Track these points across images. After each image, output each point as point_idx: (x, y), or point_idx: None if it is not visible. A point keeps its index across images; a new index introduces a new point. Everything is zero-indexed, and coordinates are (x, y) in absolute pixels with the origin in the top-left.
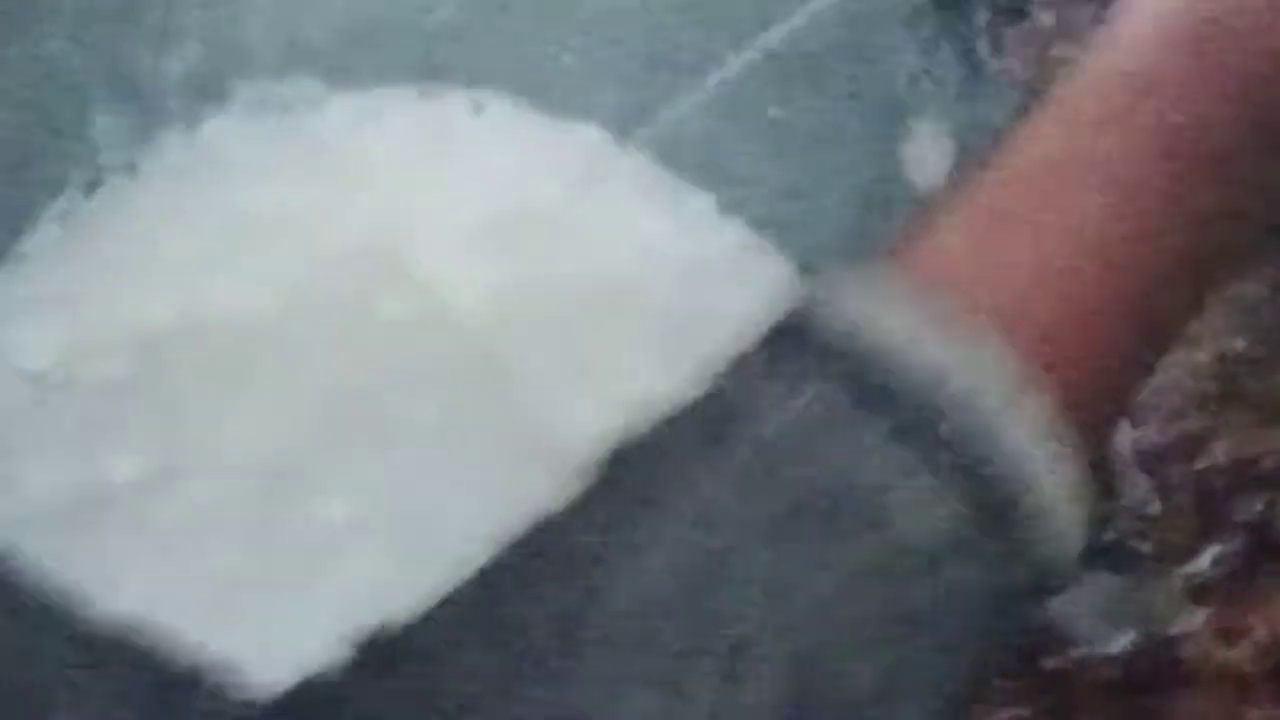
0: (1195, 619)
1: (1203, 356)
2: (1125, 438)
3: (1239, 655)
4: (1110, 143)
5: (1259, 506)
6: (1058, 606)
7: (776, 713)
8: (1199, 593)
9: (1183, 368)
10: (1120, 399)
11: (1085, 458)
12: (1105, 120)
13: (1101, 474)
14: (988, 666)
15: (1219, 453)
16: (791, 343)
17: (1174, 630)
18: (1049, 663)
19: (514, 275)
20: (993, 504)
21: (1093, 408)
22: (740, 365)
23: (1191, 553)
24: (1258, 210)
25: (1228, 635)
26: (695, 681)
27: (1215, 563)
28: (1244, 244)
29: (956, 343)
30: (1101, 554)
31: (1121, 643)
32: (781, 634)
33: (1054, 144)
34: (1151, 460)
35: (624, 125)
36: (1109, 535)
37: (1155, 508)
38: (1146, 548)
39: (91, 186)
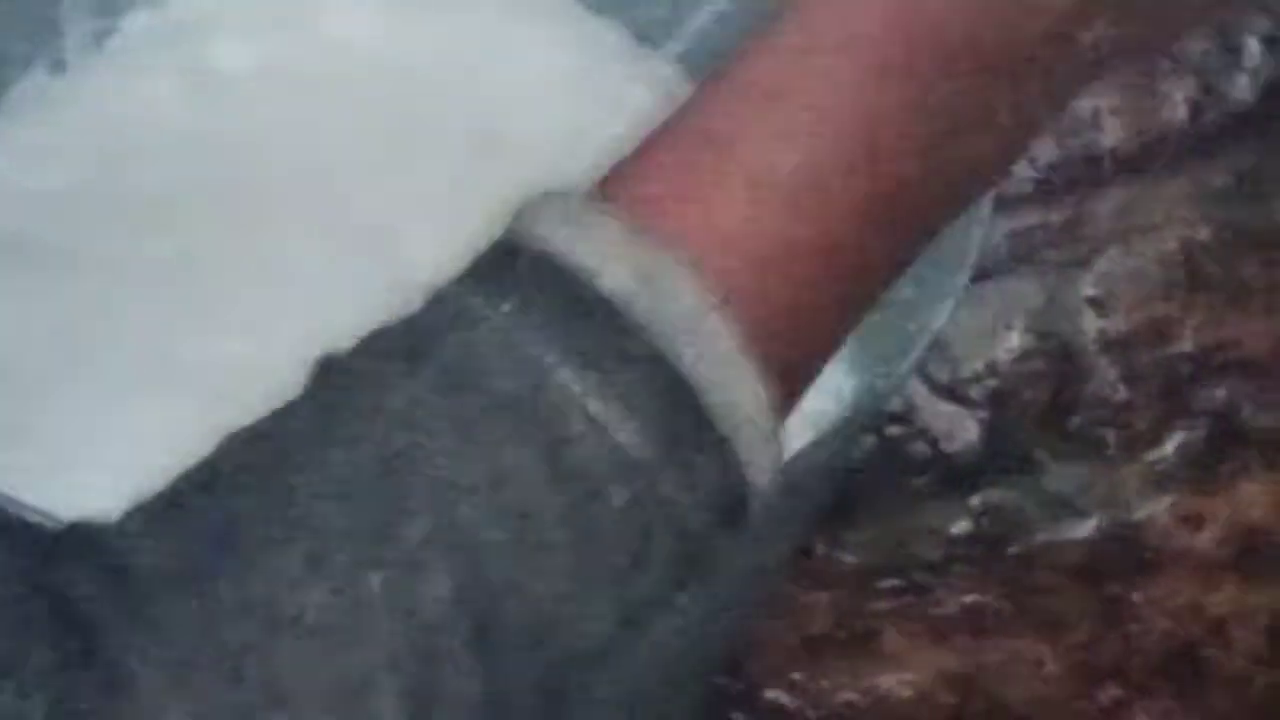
0: (1159, 505)
1: (1168, 244)
2: (1091, 325)
3: (1202, 541)
4: (825, 63)
5: (1223, 393)
6: (1022, 492)
7: (450, 616)
8: (1163, 479)
9: (1148, 256)
10: (825, 337)
11: (778, 388)
12: (820, 42)
13: (1062, 363)
14: (675, 595)
15: (1185, 339)
16: (495, 262)
17: (1138, 516)
18: (1013, 548)
19: None
20: (673, 427)
21: (791, 340)
22: (452, 281)
23: (1156, 439)
24: (996, 133)
25: (1191, 521)
26: (370, 580)
27: (1180, 449)
28: (976, 175)
29: (645, 267)
30: (1066, 441)
31: (1085, 529)
32: (455, 540)
33: (766, 64)
34: (1117, 347)
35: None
36: (1074, 422)
37: (1120, 395)
38: (1111, 434)
39: (58, 65)
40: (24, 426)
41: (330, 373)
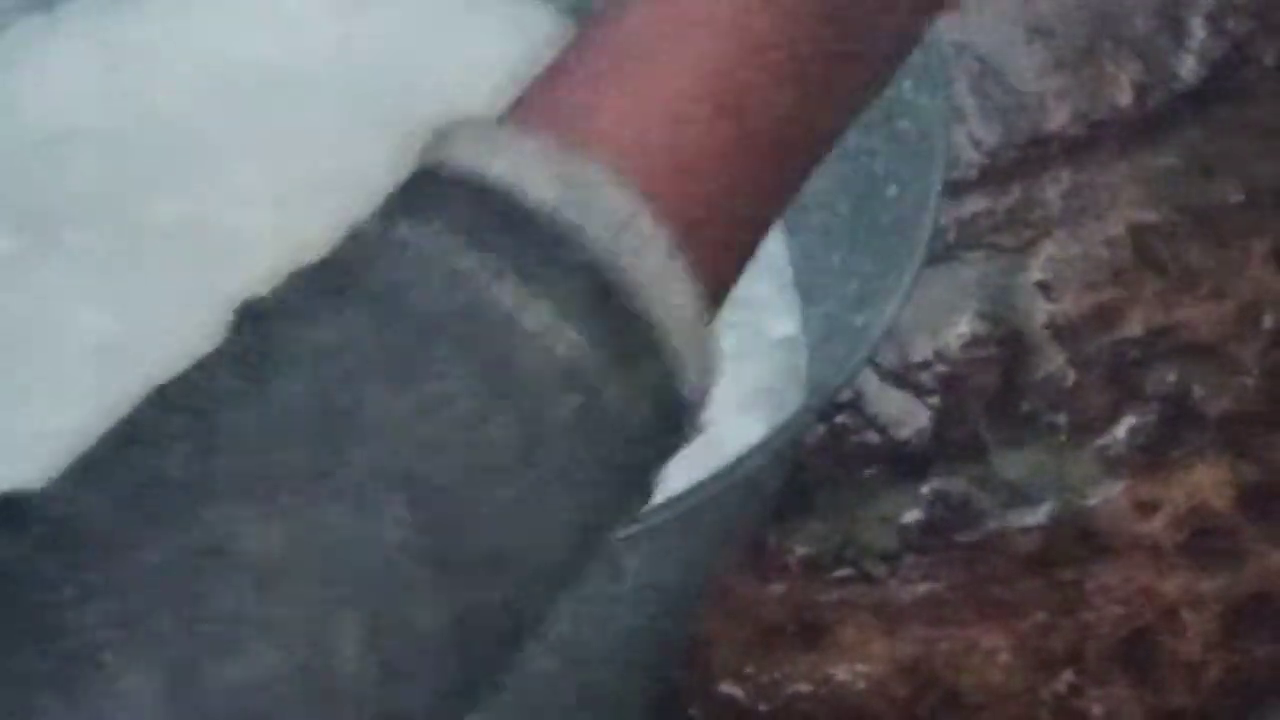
0: (1111, 491)
1: (1116, 228)
2: (1040, 310)
3: (1155, 527)
4: None
5: (1173, 377)
6: (973, 479)
7: (410, 545)
8: (1114, 464)
9: (1096, 239)
10: (749, 235)
11: (712, 290)
12: None
13: (1011, 349)
14: (628, 506)
15: (1134, 323)
16: (414, 189)
17: (1090, 502)
18: (965, 536)
19: None
20: (614, 333)
21: (717, 239)
22: (376, 209)
23: (1107, 424)
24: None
25: (1143, 507)
26: (322, 516)
27: (1131, 434)
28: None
29: (568, 175)
30: (1017, 427)
31: (1037, 516)
32: (405, 467)
33: None
34: (1066, 333)
35: None
36: (1025, 408)
37: (1070, 380)
38: (1062, 420)
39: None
40: None
41: (253, 315)
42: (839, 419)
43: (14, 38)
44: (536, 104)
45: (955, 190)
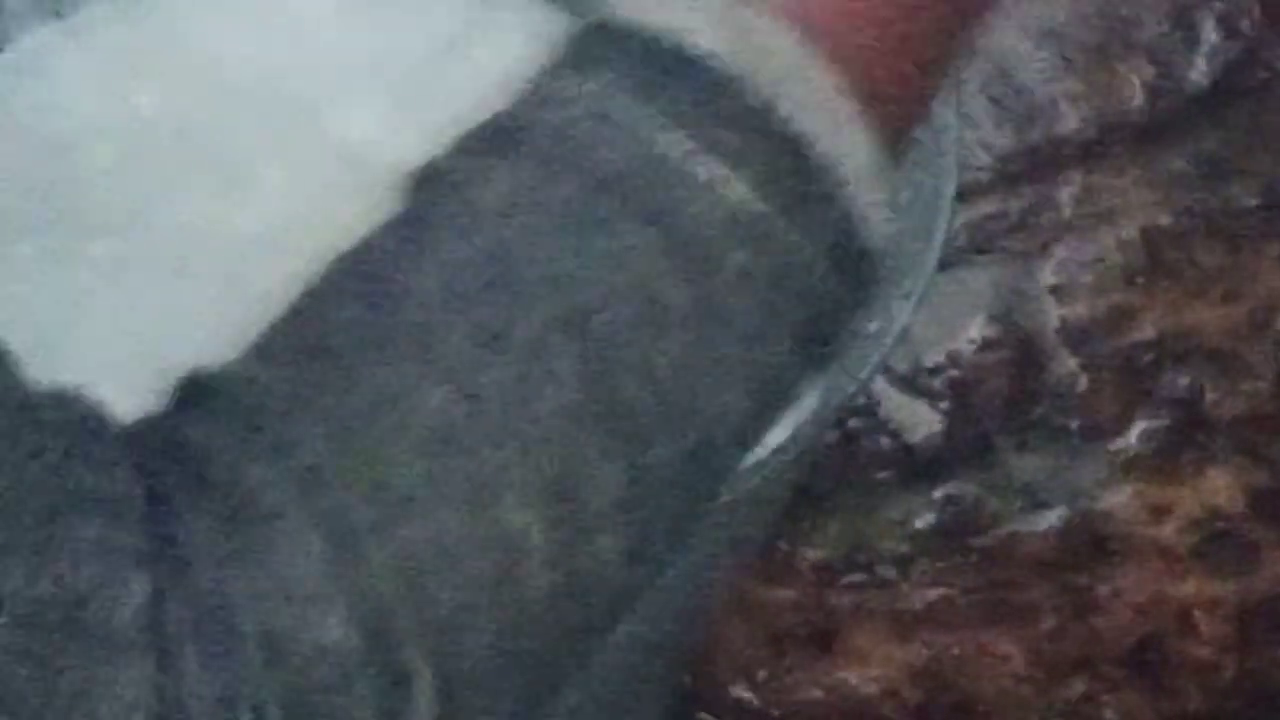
0: (1123, 495)
1: (1128, 231)
2: (1052, 314)
3: (1167, 530)
4: None
5: (1185, 381)
6: (985, 484)
7: (582, 404)
8: (1127, 468)
9: (1109, 243)
10: (926, 75)
11: (885, 135)
12: None
13: (1023, 353)
14: (808, 360)
15: (1146, 326)
16: (583, 42)
17: (1102, 506)
18: (977, 541)
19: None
20: (784, 180)
21: (889, 86)
22: (539, 69)
23: (1119, 428)
24: None
25: (1155, 511)
26: (493, 376)
27: (1143, 438)
28: None
29: (738, 23)
30: (1029, 431)
31: (1049, 520)
32: (576, 326)
33: None
34: (1078, 336)
35: None
36: (1037, 412)
37: (1082, 384)
38: (1074, 424)
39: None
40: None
41: (423, 179)
42: (851, 424)
43: (26, 46)
44: None
45: (967, 194)
